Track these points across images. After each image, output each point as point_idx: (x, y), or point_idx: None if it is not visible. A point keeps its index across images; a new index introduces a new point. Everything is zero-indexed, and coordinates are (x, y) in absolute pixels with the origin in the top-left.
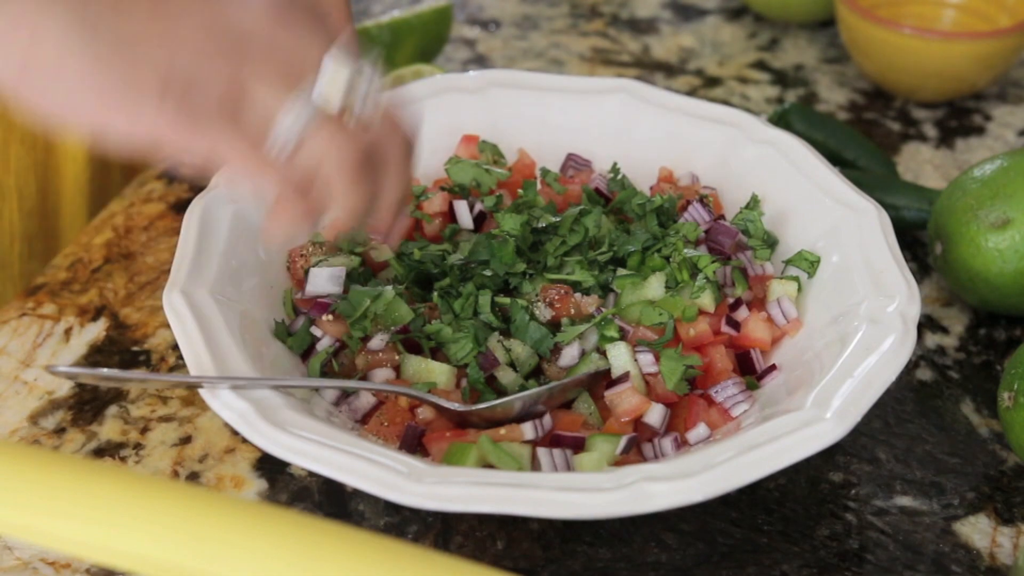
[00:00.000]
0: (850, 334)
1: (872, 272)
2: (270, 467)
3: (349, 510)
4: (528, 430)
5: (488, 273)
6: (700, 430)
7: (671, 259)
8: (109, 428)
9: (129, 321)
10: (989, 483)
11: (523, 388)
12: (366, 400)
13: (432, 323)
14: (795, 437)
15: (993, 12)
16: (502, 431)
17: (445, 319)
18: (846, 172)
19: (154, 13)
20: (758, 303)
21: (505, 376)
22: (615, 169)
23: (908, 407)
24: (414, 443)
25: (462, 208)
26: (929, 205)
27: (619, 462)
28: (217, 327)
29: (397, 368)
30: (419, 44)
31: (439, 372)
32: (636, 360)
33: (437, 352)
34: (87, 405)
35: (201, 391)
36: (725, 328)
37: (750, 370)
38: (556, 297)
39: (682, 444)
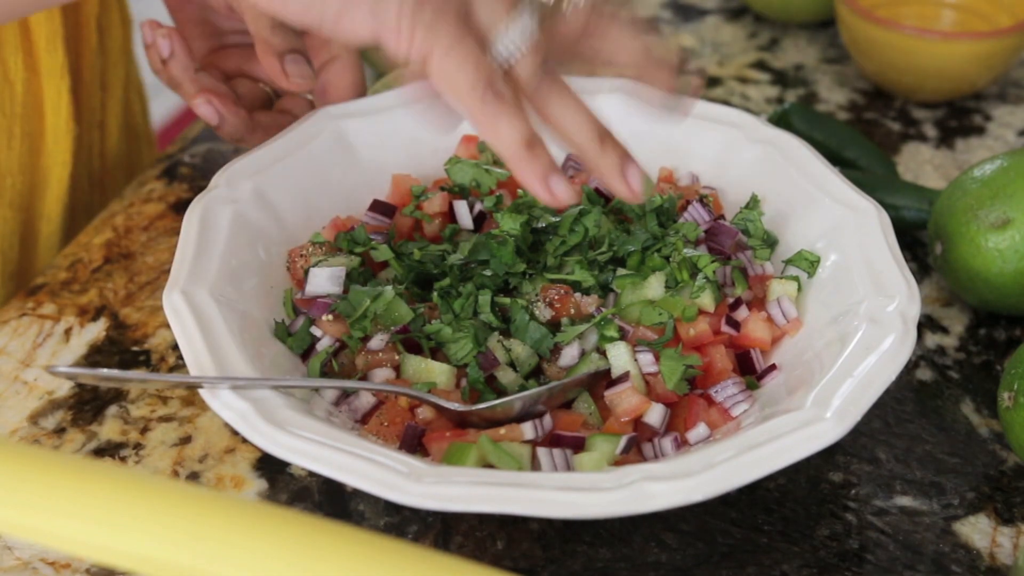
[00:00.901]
0: (850, 334)
1: (872, 272)
2: (270, 467)
3: (349, 510)
4: (528, 430)
5: (488, 273)
6: (700, 430)
7: (671, 259)
8: (109, 428)
9: (129, 321)
10: (989, 483)
11: (523, 388)
12: (366, 400)
13: (432, 323)
14: (795, 437)
15: (993, 12)
16: (502, 431)
17: (445, 319)
18: (846, 172)
19: None
20: (758, 303)
21: (505, 376)
22: None
23: (908, 407)
24: (414, 443)
25: (462, 208)
26: (929, 205)
27: (619, 462)
28: (217, 327)
29: (397, 368)
30: None
31: (439, 372)
32: (636, 360)
33: (437, 352)
34: (87, 405)
35: (201, 391)
36: (725, 328)
37: (750, 370)
38: (556, 297)
39: (682, 444)
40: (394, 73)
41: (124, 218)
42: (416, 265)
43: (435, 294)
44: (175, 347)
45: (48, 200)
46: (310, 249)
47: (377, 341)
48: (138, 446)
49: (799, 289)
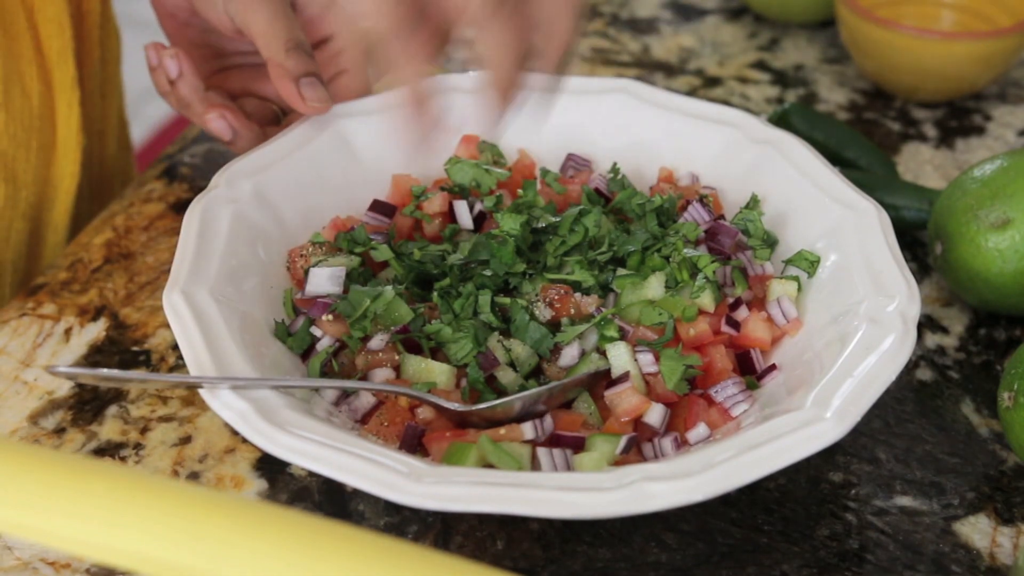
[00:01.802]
0: (850, 334)
1: (872, 272)
2: (270, 467)
3: (349, 510)
4: (528, 430)
5: (488, 273)
6: (700, 430)
7: (671, 259)
8: (109, 428)
9: (129, 321)
10: (989, 483)
11: (523, 388)
12: (366, 400)
13: (432, 323)
14: (795, 437)
15: (993, 12)
16: (502, 431)
17: (445, 319)
18: (846, 172)
19: None
20: (758, 303)
21: (505, 376)
22: (615, 169)
23: (908, 407)
24: (414, 443)
25: (462, 208)
26: (929, 205)
27: (619, 462)
28: (217, 327)
29: (397, 368)
30: None
31: (439, 372)
32: (636, 360)
33: (437, 352)
34: (87, 405)
35: (201, 391)
36: (725, 328)
37: (750, 370)
38: (556, 297)
39: (682, 444)
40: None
41: (124, 218)
42: (416, 265)
43: (435, 294)
44: (175, 347)
45: (57, 210)
46: (310, 249)
47: (377, 341)
48: (138, 446)
49: (799, 289)
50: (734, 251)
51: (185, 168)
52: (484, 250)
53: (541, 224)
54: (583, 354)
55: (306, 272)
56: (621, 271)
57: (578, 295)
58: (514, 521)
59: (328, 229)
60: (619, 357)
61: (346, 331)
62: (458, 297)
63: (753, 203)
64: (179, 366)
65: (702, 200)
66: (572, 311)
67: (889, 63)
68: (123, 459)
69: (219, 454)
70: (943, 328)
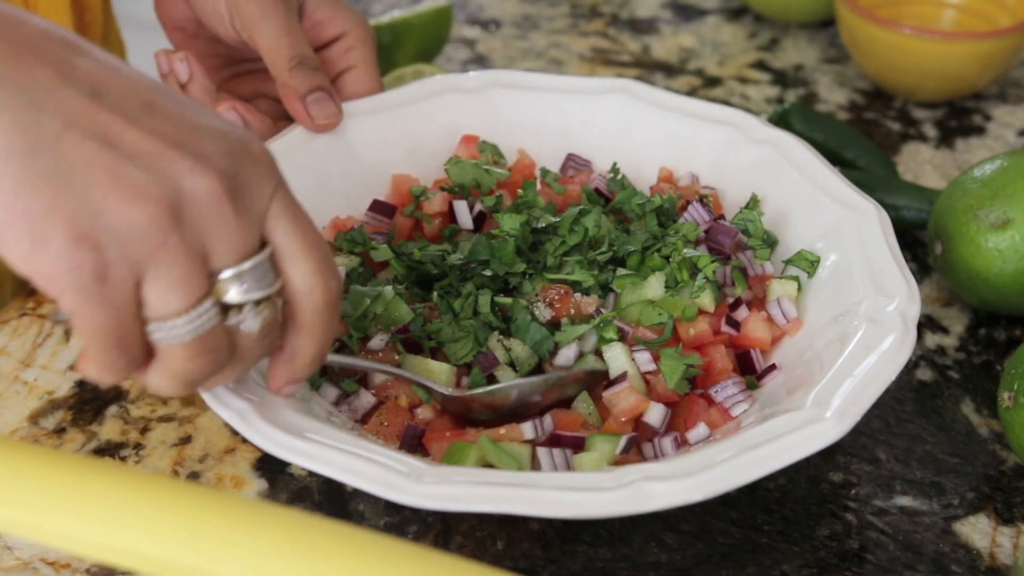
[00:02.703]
0: (850, 334)
1: (872, 272)
2: (270, 467)
3: (349, 510)
4: (528, 430)
5: (488, 273)
6: (700, 430)
7: (671, 259)
8: (109, 428)
9: None
10: (989, 483)
11: None
12: (366, 400)
13: (432, 323)
14: (795, 437)
15: (993, 12)
16: (502, 431)
17: (445, 319)
18: (846, 172)
19: (103, 146)
20: (758, 303)
21: (505, 376)
22: (615, 169)
23: (908, 407)
24: (414, 443)
25: (462, 208)
26: (929, 205)
27: (619, 462)
28: None
29: (397, 368)
30: (419, 44)
31: (439, 371)
32: (633, 360)
33: (437, 352)
34: (87, 405)
35: (200, 391)
36: (725, 328)
37: (750, 370)
38: (556, 297)
39: (682, 444)
40: (394, 73)
41: None
42: (416, 265)
43: (435, 294)
44: None
45: None
46: None
47: (377, 341)
48: (138, 446)
49: (799, 289)
50: (734, 251)
51: None
52: (484, 250)
53: (541, 224)
54: (580, 356)
55: None
56: (621, 271)
57: (578, 295)
58: (514, 521)
59: (328, 229)
60: (616, 359)
61: (346, 331)
62: (458, 297)
63: (753, 203)
64: None
65: (702, 200)
66: (572, 311)
67: (889, 63)
68: (123, 459)
69: (219, 454)
70: (943, 328)
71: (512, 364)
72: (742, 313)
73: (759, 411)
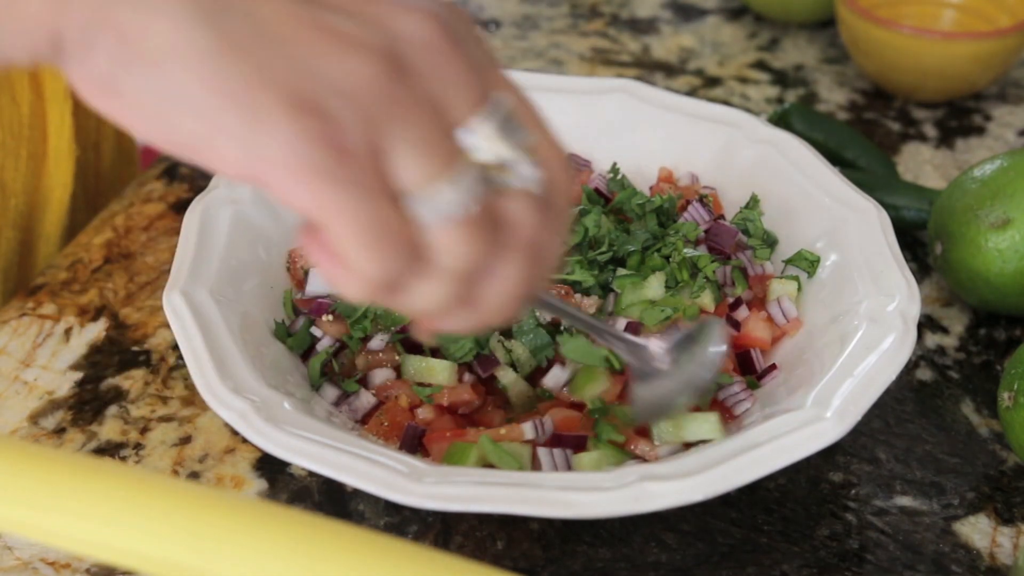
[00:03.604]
0: (850, 333)
1: (872, 271)
2: (270, 467)
3: (349, 510)
4: (528, 430)
5: None
6: None
7: (671, 259)
8: (109, 428)
9: (129, 321)
10: (989, 483)
11: (524, 388)
12: (366, 400)
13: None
14: (795, 436)
15: (993, 12)
16: (502, 431)
17: None
18: (846, 172)
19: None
20: (758, 303)
21: (505, 376)
22: (615, 169)
23: (908, 407)
24: (414, 443)
25: None
26: (929, 205)
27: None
28: (217, 327)
29: (397, 368)
30: None
31: (440, 369)
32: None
33: (436, 352)
34: (87, 405)
35: (200, 391)
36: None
37: (750, 370)
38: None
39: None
40: None
41: (124, 218)
42: None
43: None
44: (175, 347)
45: (48, 221)
46: None
47: (377, 341)
48: (138, 446)
49: (799, 289)
50: (734, 251)
51: (185, 168)
52: None
53: None
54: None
55: (306, 272)
56: (621, 271)
57: (578, 295)
58: (514, 521)
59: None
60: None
61: (346, 331)
62: None
63: (753, 203)
64: (179, 366)
65: (702, 200)
66: None
67: (889, 63)
68: (123, 459)
69: (219, 454)
70: (943, 328)
71: (513, 365)
72: (742, 313)
73: (760, 411)
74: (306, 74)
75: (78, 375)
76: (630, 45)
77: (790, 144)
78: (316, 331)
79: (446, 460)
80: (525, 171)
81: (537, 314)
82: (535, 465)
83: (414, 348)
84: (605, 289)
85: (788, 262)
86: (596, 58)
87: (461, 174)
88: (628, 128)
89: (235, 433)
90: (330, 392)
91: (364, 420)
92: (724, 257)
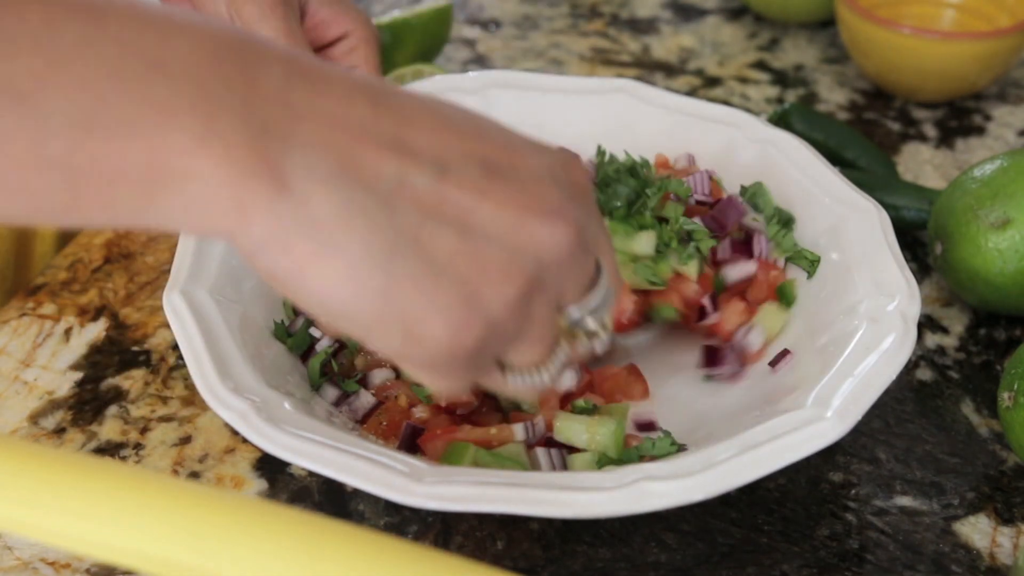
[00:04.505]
0: (850, 333)
1: (872, 271)
2: (270, 467)
3: (349, 510)
4: (519, 431)
5: None
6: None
7: (669, 223)
8: (109, 428)
9: (129, 321)
10: (989, 483)
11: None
12: (366, 400)
13: None
14: (795, 436)
15: (993, 12)
16: (493, 431)
17: None
18: (846, 172)
19: (461, 233)
20: (756, 286)
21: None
22: (601, 152)
23: (908, 407)
24: (413, 443)
25: None
26: (929, 205)
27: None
28: (217, 327)
29: (397, 368)
30: (419, 44)
31: None
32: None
33: None
34: (87, 405)
35: (200, 391)
36: (705, 301)
37: (715, 361)
38: None
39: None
40: (395, 73)
41: None
42: None
43: None
44: (175, 347)
45: None
46: None
47: None
48: (138, 446)
49: (783, 325)
50: (737, 231)
51: None
52: None
53: None
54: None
55: None
56: (610, 221)
57: None
58: (514, 521)
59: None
60: None
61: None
62: None
63: (758, 190)
64: (179, 366)
65: (710, 175)
66: None
67: (889, 63)
68: (123, 459)
69: (219, 454)
70: (943, 328)
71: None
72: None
73: (759, 410)
74: (464, 304)
75: (78, 375)
76: (630, 45)
77: (790, 144)
78: (315, 331)
79: (444, 460)
80: (601, 343)
81: None
82: (533, 465)
83: None
84: None
85: (789, 260)
86: (596, 58)
87: (555, 361)
88: (628, 128)
89: (235, 433)
90: (330, 392)
91: (364, 420)
92: (723, 233)
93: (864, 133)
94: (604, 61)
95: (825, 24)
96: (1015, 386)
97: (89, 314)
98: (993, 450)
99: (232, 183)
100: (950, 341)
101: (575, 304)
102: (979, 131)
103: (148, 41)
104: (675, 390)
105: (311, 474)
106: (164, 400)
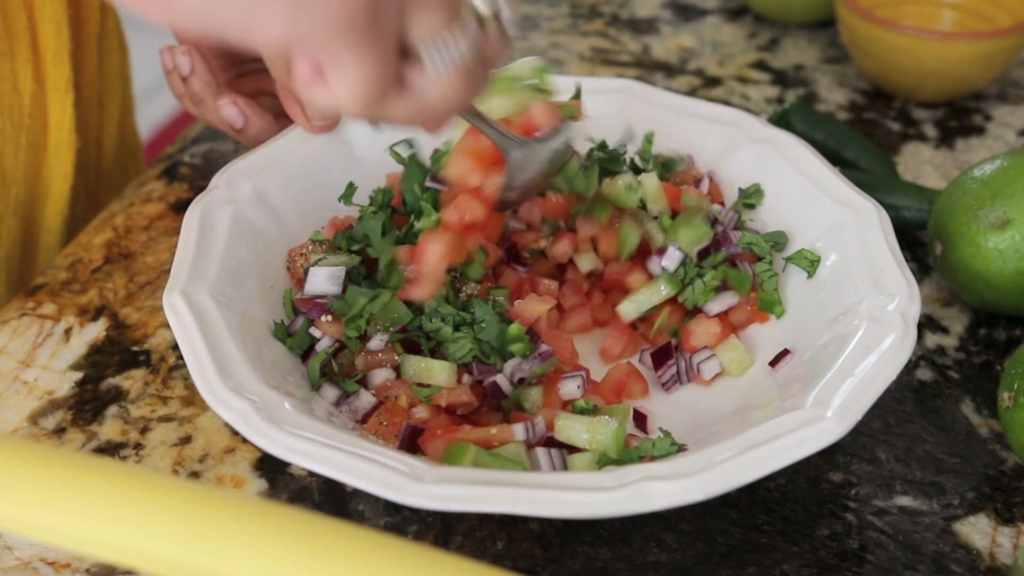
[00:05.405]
0: (850, 333)
1: (872, 271)
2: (270, 467)
3: (349, 510)
4: (519, 431)
5: None
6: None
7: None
8: (109, 428)
9: (129, 321)
10: (989, 483)
11: (521, 392)
12: (366, 400)
13: (432, 321)
14: (796, 436)
15: (993, 12)
16: (493, 431)
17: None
18: (846, 172)
19: None
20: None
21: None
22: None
23: (908, 407)
24: (413, 443)
25: None
26: (929, 205)
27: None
28: (217, 327)
29: (397, 368)
30: None
31: (439, 370)
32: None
33: (436, 352)
34: (87, 405)
35: (200, 391)
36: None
37: (664, 358)
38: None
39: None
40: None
41: (124, 218)
42: None
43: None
44: (175, 347)
45: (49, 211)
46: (310, 247)
47: (376, 342)
48: (138, 446)
49: (747, 365)
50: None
51: (185, 168)
52: None
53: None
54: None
55: (306, 271)
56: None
57: None
58: (514, 521)
59: (327, 228)
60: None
61: (345, 332)
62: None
63: (755, 191)
64: (179, 366)
65: (711, 179)
66: None
67: (889, 63)
68: (123, 459)
69: (219, 454)
70: (943, 328)
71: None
72: (714, 307)
73: (759, 410)
74: None
75: (78, 375)
76: (630, 45)
77: (790, 144)
78: (316, 331)
79: (444, 460)
80: (507, 14)
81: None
82: (533, 465)
83: (414, 348)
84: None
85: (788, 260)
86: (596, 58)
87: (464, 30)
88: (628, 127)
89: (235, 433)
90: (330, 392)
91: (364, 420)
92: (730, 263)
93: (864, 133)
94: (604, 61)
95: (825, 24)
96: (1015, 386)
97: (89, 314)
98: (993, 450)
99: None
100: (950, 341)
101: None
102: (979, 131)
103: None
104: (675, 390)
105: (311, 474)
106: (164, 400)
